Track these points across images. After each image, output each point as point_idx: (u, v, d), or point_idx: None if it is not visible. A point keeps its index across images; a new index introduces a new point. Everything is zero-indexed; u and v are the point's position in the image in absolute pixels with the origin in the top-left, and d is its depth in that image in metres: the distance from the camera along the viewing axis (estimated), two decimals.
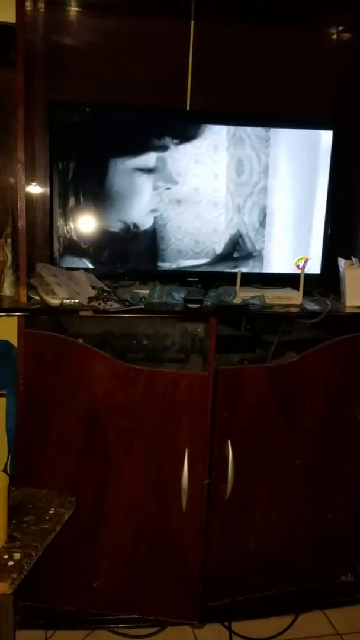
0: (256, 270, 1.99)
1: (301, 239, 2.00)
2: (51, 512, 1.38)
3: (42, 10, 1.91)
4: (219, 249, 1.95)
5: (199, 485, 1.72)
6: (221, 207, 1.92)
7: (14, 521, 1.34)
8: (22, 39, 1.58)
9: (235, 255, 1.96)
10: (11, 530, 1.31)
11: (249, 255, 1.98)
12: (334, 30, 2.04)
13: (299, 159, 1.94)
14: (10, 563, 1.21)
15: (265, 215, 1.96)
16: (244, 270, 1.93)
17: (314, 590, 1.93)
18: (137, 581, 1.78)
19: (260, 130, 1.90)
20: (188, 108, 2.00)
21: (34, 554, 1.23)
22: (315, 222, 1.99)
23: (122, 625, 1.80)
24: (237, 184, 1.92)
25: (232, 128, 1.88)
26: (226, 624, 1.82)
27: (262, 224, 1.96)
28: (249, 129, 1.89)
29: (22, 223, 1.64)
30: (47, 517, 1.36)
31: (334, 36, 2.05)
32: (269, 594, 1.88)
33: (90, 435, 1.68)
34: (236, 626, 1.82)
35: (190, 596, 1.79)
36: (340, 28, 2.02)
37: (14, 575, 1.18)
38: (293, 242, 2.01)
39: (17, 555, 1.23)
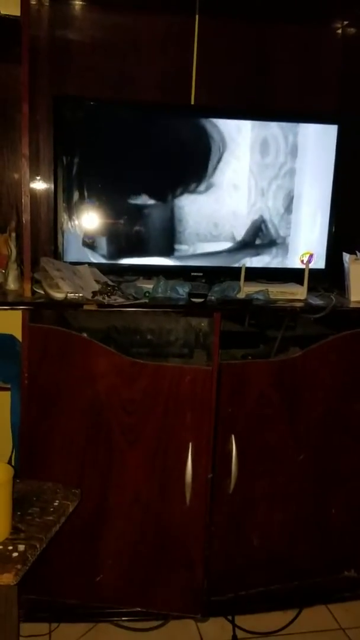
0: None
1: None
2: (55, 504, 1.39)
3: (47, 4, 1.91)
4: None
5: (203, 480, 1.73)
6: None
7: (19, 513, 1.34)
8: (27, 33, 1.59)
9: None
10: (16, 522, 1.31)
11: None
12: (339, 25, 2.03)
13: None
14: (15, 554, 1.22)
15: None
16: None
17: (317, 585, 1.93)
18: (140, 575, 1.78)
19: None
20: (192, 103, 2.00)
21: (38, 546, 1.24)
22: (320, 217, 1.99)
23: (125, 618, 1.81)
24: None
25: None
26: (230, 617, 1.83)
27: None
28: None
29: (26, 217, 1.64)
30: (52, 509, 1.36)
31: (339, 31, 2.04)
32: (273, 589, 1.88)
33: (94, 429, 1.69)
34: (240, 620, 1.82)
35: (193, 590, 1.80)
36: (345, 23, 2.01)
37: (19, 567, 1.19)
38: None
39: (21, 547, 1.24)
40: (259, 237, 1.97)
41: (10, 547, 1.24)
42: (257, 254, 1.98)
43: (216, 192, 1.91)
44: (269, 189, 1.93)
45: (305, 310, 1.77)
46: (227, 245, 1.96)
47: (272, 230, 1.96)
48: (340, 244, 1.96)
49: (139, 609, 1.81)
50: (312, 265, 1.97)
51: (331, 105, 2.06)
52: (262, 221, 1.96)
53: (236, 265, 1.94)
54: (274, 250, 1.98)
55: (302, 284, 1.84)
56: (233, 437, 1.72)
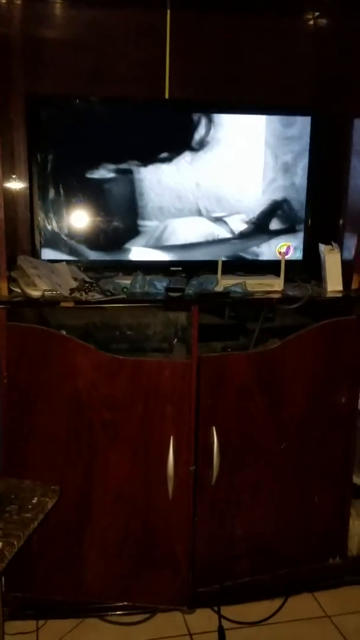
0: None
1: None
2: (34, 501, 1.39)
3: (18, 2, 1.90)
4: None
5: (185, 473, 1.74)
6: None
7: None
8: None
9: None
10: None
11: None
12: (310, 16, 2.03)
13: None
14: None
15: None
16: None
17: (303, 573, 1.95)
18: (126, 569, 1.79)
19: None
20: (167, 97, 2.00)
21: (16, 543, 1.24)
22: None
23: (112, 613, 1.82)
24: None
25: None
26: (216, 608, 1.84)
27: None
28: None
29: (0, 216, 1.64)
30: (30, 507, 1.37)
31: (311, 22, 2.04)
32: (258, 579, 1.90)
33: (75, 426, 1.69)
34: (226, 611, 1.83)
35: (179, 582, 1.81)
36: (317, 14, 2.02)
37: None
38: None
39: None
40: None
41: None
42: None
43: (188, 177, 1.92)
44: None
45: (282, 301, 1.78)
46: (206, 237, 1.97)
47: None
48: (317, 235, 1.98)
49: (126, 603, 1.82)
50: (290, 257, 1.98)
51: (305, 96, 2.06)
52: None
53: (214, 258, 1.94)
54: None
55: (279, 275, 1.85)
56: (214, 429, 1.73)
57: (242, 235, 1.98)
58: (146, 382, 1.69)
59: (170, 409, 1.71)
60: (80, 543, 1.76)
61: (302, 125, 1.94)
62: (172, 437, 1.71)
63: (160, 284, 1.79)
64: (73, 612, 1.80)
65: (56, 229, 1.88)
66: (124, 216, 1.91)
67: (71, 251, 1.90)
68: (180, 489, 1.74)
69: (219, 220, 1.96)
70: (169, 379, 1.69)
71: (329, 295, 1.83)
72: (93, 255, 1.92)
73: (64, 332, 1.71)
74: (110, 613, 1.81)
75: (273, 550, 1.89)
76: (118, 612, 1.81)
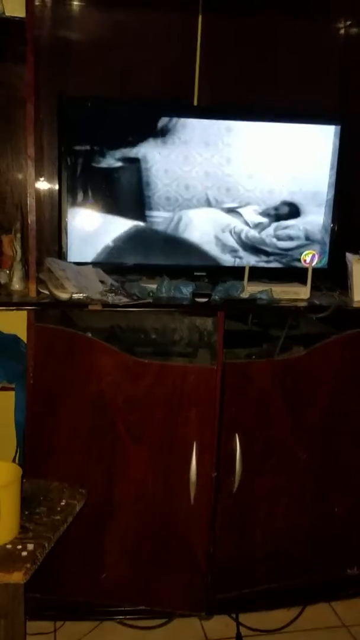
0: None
1: None
2: (62, 503, 1.40)
3: (49, 4, 1.91)
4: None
5: (207, 478, 1.73)
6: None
7: (27, 512, 1.35)
8: (31, 33, 1.59)
9: None
10: (24, 522, 1.32)
11: None
12: (341, 25, 2.03)
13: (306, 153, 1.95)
14: (24, 553, 1.23)
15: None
16: None
17: (321, 582, 1.95)
18: (144, 573, 1.79)
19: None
20: (195, 101, 2.01)
21: (46, 545, 1.25)
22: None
23: (129, 616, 1.82)
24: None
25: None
26: (233, 615, 1.84)
27: None
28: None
29: (31, 218, 1.65)
30: (59, 509, 1.37)
31: (342, 31, 2.05)
32: (276, 586, 1.89)
33: (99, 428, 1.69)
34: (243, 618, 1.83)
35: (197, 588, 1.81)
36: (348, 22, 2.02)
37: (28, 565, 1.19)
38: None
39: (30, 546, 1.25)
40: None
41: (20, 547, 1.25)
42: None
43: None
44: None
45: (308, 309, 1.78)
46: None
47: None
48: (343, 243, 1.97)
49: (144, 607, 1.82)
50: (315, 265, 1.98)
51: (331, 104, 2.06)
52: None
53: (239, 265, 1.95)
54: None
55: (305, 283, 1.85)
56: (237, 435, 1.73)
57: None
58: (171, 387, 1.69)
59: (194, 414, 1.71)
60: (100, 545, 1.76)
61: (329, 132, 1.94)
62: (195, 443, 1.71)
63: (186, 289, 1.79)
64: (91, 615, 1.80)
65: (83, 231, 1.88)
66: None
67: (97, 253, 1.90)
68: (202, 494, 1.74)
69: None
70: (194, 384, 1.69)
71: (355, 304, 1.82)
72: (118, 258, 1.92)
73: (90, 334, 1.71)
74: (128, 616, 1.82)
75: (292, 558, 1.89)
76: (136, 616, 1.82)
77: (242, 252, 1.98)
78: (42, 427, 1.69)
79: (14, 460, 1.86)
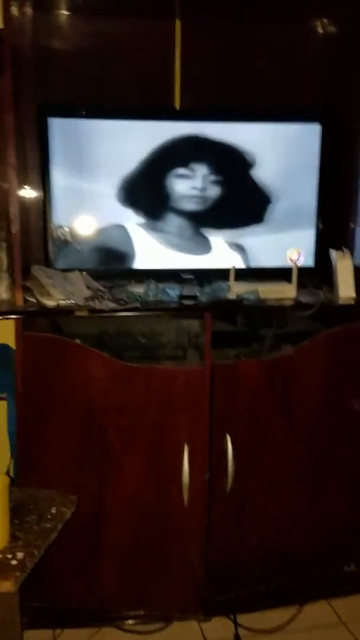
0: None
1: None
2: (52, 511, 1.40)
3: (29, 14, 1.92)
4: None
5: (200, 480, 1.74)
6: None
7: (16, 521, 1.36)
8: (9, 43, 1.60)
9: None
10: (14, 531, 1.32)
11: None
12: (318, 23, 2.04)
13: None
14: (14, 562, 1.23)
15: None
16: None
17: (318, 580, 1.94)
18: (141, 577, 1.79)
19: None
20: (177, 106, 2.02)
21: (36, 553, 1.25)
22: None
23: (128, 621, 1.82)
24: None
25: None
26: (232, 616, 1.84)
27: None
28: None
29: (16, 228, 1.66)
30: (49, 517, 1.38)
31: (320, 29, 2.05)
32: (274, 586, 1.89)
33: (90, 434, 1.70)
34: (242, 618, 1.83)
35: (195, 590, 1.81)
36: (325, 20, 2.03)
37: (17, 574, 1.20)
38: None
39: (20, 555, 1.25)
40: None
41: (9, 555, 1.25)
42: None
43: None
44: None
45: (294, 308, 1.79)
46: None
47: None
48: (329, 241, 1.98)
49: (142, 612, 1.82)
50: (301, 264, 1.98)
51: (313, 103, 2.07)
52: None
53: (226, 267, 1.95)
54: None
55: (291, 282, 1.85)
56: (228, 436, 1.74)
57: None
58: (160, 389, 1.70)
59: (184, 416, 1.71)
60: (95, 551, 1.77)
61: (311, 131, 1.94)
62: (186, 445, 1.71)
63: (173, 292, 1.79)
64: (90, 621, 1.80)
65: (69, 238, 1.89)
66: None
67: (83, 260, 1.91)
68: (195, 496, 1.74)
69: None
70: (183, 386, 1.70)
71: (341, 301, 1.83)
72: (104, 264, 1.93)
73: (78, 341, 1.72)
74: (126, 622, 1.81)
75: (288, 557, 1.89)
76: (134, 621, 1.81)
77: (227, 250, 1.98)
78: (33, 435, 1.70)
79: (7, 471, 1.86)
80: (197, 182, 1.92)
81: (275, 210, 1.98)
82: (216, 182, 1.93)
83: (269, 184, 1.96)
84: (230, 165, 1.93)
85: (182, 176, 1.91)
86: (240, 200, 1.98)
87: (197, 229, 1.95)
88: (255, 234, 1.98)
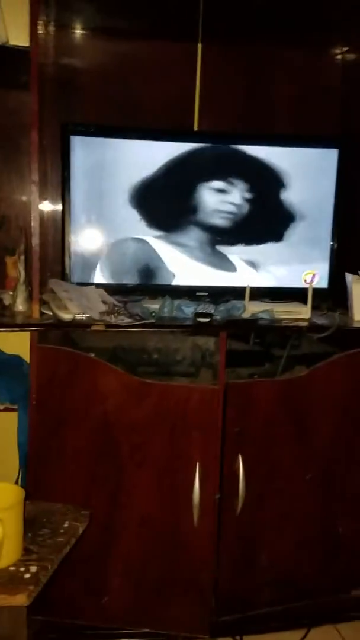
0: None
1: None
2: (65, 525, 1.39)
3: (53, 33, 1.96)
4: None
5: (211, 500, 1.73)
6: None
7: (30, 535, 1.35)
8: (35, 63, 1.63)
9: None
10: (27, 544, 1.32)
11: None
12: (338, 51, 2.08)
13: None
14: (27, 575, 1.22)
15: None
16: None
17: (326, 604, 1.93)
18: (149, 595, 1.78)
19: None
20: (195, 129, 2.05)
21: (49, 567, 1.25)
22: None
23: (133, 639, 1.80)
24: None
25: None
26: (238, 638, 1.82)
27: None
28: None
29: (35, 241, 1.67)
30: (62, 531, 1.37)
31: (339, 57, 2.09)
32: (281, 609, 1.87)
33: (102, 449, 1.70)
34: None
35: (202, 610, 1.79)
36: (345, 49, 2.07)
37: (31, 588, 1.19)
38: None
39: (33, 568, 1.24)
40: None
41: (23, 569, 1.24)
42: None
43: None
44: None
45: (310, 329, 1.79)
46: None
47: None
48: (344, 263, 2.00)
49: (148, 630, 1.80)
50: (315, 285, 1.99)
51: (331, 129, 2.10)
52: None
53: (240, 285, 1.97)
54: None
55: (305, 303, 1.86)
56: (240, 456, 1.73)
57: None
58: (174, 407, 1.70)
59: (196, 435, 1.71)
60: (103, 567, 1.75)
61: (329, 156, 1.97)
62: (198, 464, 1.71)
63: (188, 309, 1.80)
64: (95, 638, 1.78)
65: (86, 253, 1.91)
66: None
67: (100, 275, 1.92)
68: (205, 516, 1.73)
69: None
70: (197, 404, 1.70)
71: (355, 324, 1.84)
72: (120, 279, 1.94)
73: (93, 355, 1.73)
74: (131, 639, 1.80)
75: (296, 580, 1.88)
76: (140, 639, 1.79)
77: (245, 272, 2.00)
78: (45, 448, 1.70)
79: (16, 482, 1.86)
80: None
81: (295, 233, 2.00)
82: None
83: (295, 204, 1.99)
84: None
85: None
86: (266, 219, 2.00)
87: (217, 245, 1.97)
88: (272, 253, 2.00)
